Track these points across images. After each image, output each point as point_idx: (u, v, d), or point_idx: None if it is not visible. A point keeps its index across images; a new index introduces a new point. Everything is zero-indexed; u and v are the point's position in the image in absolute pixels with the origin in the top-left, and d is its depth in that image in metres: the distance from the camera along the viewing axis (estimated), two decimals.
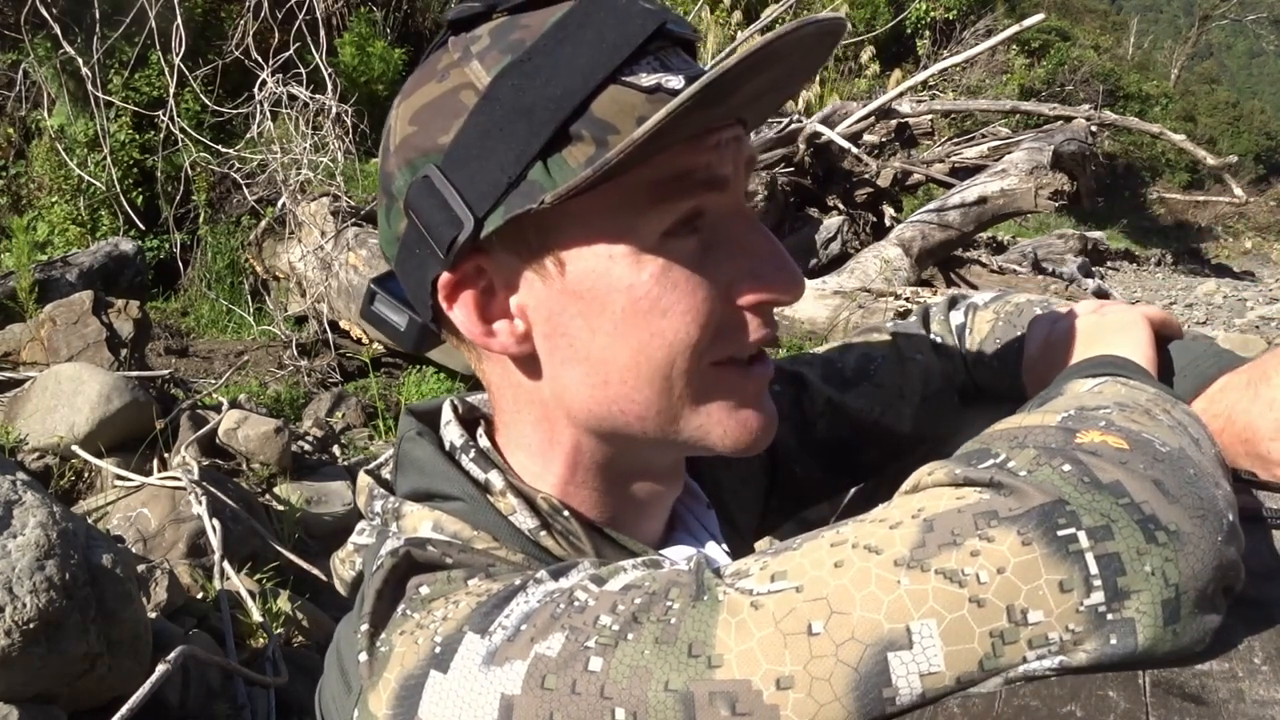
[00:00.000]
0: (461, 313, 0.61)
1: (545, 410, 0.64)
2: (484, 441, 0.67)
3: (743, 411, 0.63)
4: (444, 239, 0.58)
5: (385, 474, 0.70)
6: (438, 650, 0.51)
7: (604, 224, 0.58)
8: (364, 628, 0.55)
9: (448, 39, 0.61)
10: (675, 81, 0.56)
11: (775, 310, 0.65)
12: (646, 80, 0.56)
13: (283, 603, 2.44)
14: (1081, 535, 0.47)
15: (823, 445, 0.87)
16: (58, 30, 5.00)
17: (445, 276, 0.60)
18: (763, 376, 0.64)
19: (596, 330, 0.59)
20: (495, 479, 0.64)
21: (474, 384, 0.72)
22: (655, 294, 0.58)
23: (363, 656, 0.54)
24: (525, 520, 0.63)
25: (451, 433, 0.67)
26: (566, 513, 0.64)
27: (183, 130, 5.06)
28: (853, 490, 0.98)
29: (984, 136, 7.23)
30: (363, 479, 0.69)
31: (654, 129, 0.52)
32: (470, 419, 0.70)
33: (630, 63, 0.56)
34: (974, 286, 6.04)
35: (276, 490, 3.02)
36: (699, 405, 0.62)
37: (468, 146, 0.57)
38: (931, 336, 0.92)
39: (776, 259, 0.61)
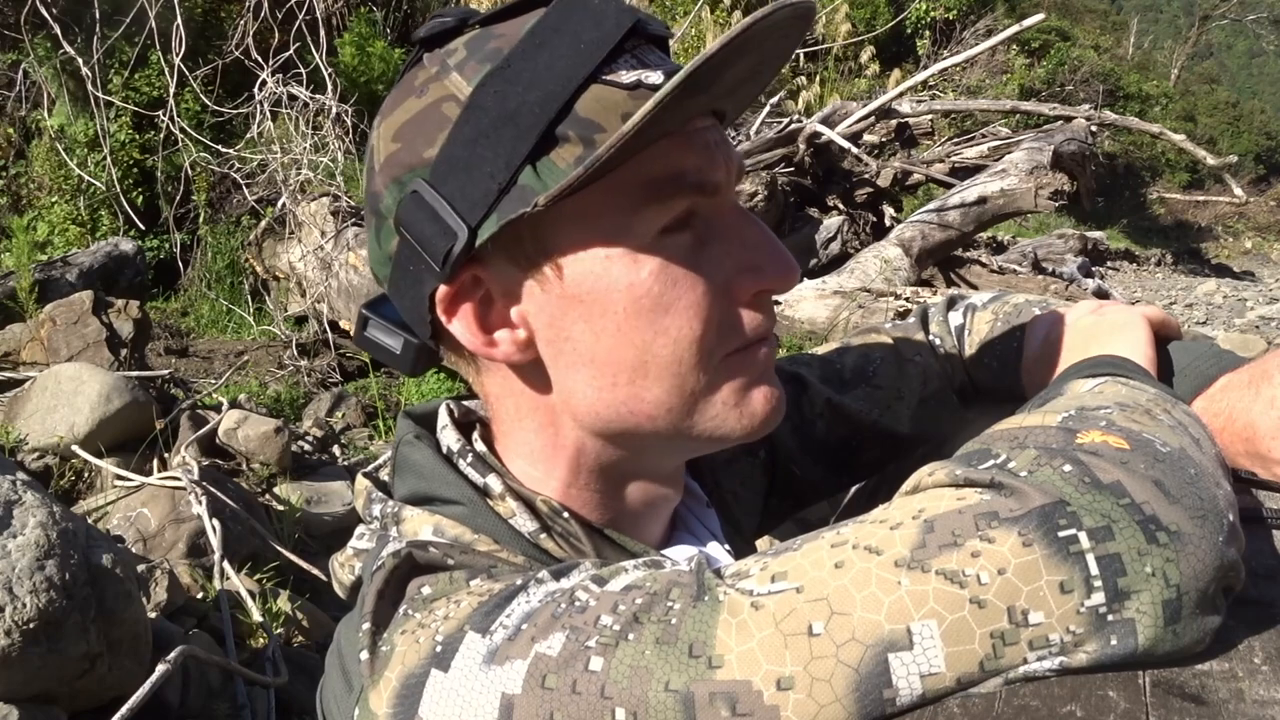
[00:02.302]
0: (461, 325, 0.61)
1: (550, 415, 0.64)
2: (480, 446, 0.67)
3: (753, 393, 0.64)
4: (438, 251, 0.58)
5: (383, 476, 0.70)
6: (439, 649, 0.51)
7: (599, 225, 0.58)
8: (366, 627, 0.55)
9: (422, 56, 0.61)
10: (655, 77, 0.57)
11: (778, 311, 0.65)
12: (627, 77, 0.56)
13: (283, 603, 2.44)
14: (1082, 536, 0.47)
15: (822, 446, 0.88)
16: (58, 30, 5.00)
17: (442, 289, 0.60)
18: (768, 356, 0.64)
19: (600, 332, 0.59)
20: (494, 483, 0.64)
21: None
22: (656, 291, 0.58)
23: (364, 655, 0.54)
24: (525, 523, 0.63)
25: (448, 437, 0.67)
26: (566, 514, 0.63)
27: (183, 130, 5.06)
28: (853, 490, 0.98)
29: (984, 136, 7.23)
30: (360, 482, 0.69)
31: (644, 120, 0.52)
32: (466, 423, 0.70)
33: (609, 62, 0.56)
34: (974, 286, 6.04)
35: (276, 490, 3.02)
36: (711, 398, 0.62)
37: (455, 157, 0.57)
38: (930, 338, 0.92)
39: (770, 249, 0.62)
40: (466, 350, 0.63)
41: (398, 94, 0.61)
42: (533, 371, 0.63)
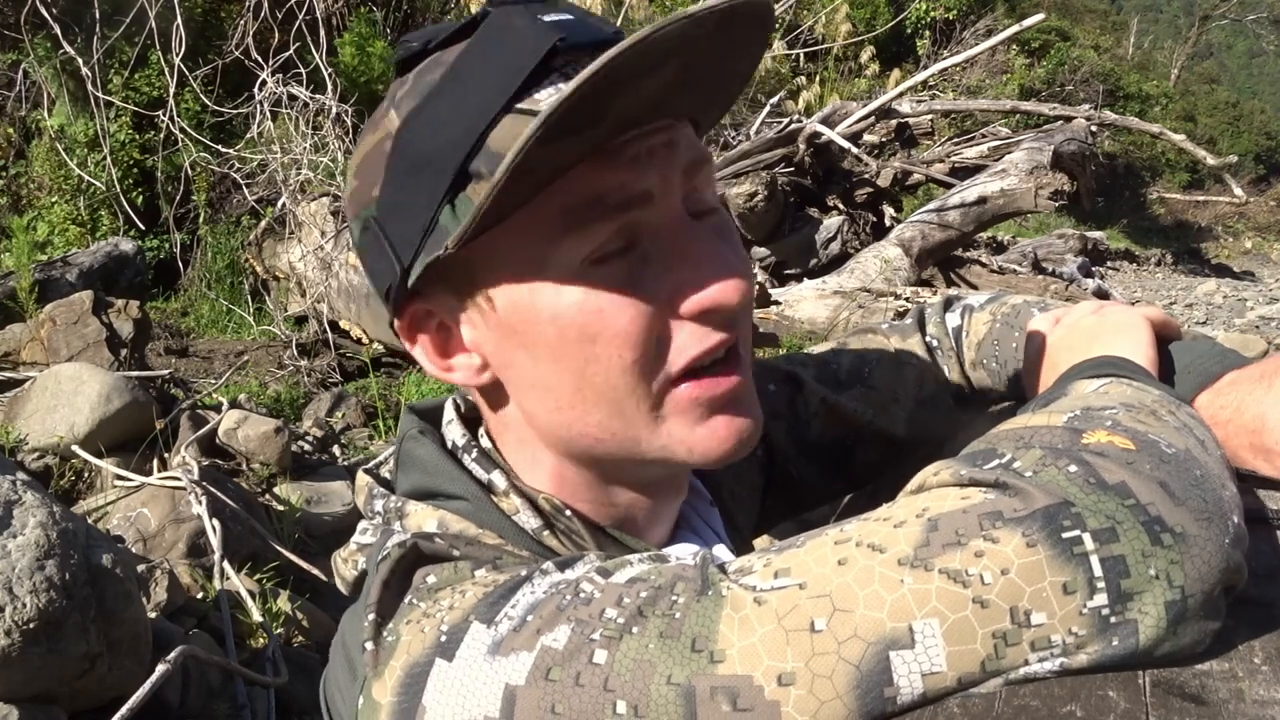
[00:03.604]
0: (421, 352, 0.64)
1: (523, 432, 0.65)
2: (486, 441, 0.67)
3: (710, 422, 0.61)
4: (383, 288, 0.61)
5: (385, 473, 0.70)
6: (443, 639, 0.52)
7: (522, 257, 0.57)
8: (370, 617, 0.55)
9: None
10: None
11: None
12: (545, 101, 0.54)
13: (283, 603, 2.44)
14: (1086, 537, 0.47)
15: (818, 446, 0.87)
16: (58, 30, 5.00)
17: (396, 322, 0.63)
18: (731, 382, 0.61)
19: (538, 360, 0.60)
20: (498, 479, 0.64)
21: None
22: (580, 322, 0.57)
23: (369, 645, 0.54)
24: (529, 520, 0.63)
25: (454, 432, 0.67)
26: (569, 512, 0.64)
27: (183, 130, 5.06)
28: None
29: (984, 136, 7.22)
30: (361, 478, 0.69)
31: (505, 175, 0.51)
32: (472, 418, 0.70)
33: (530, 86, 0.54)
34: (974, 286, 6.04)
35: (276, 490, 3.02)
36: (657, 424, 0.60)
37: (390, 197, 0.59)
38: (927, 339, 0.92)
39: (716, 263, 0.58)
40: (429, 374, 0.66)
41: (367, 125, 0.63)
42: (497, 393, 0.64)
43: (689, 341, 0.59)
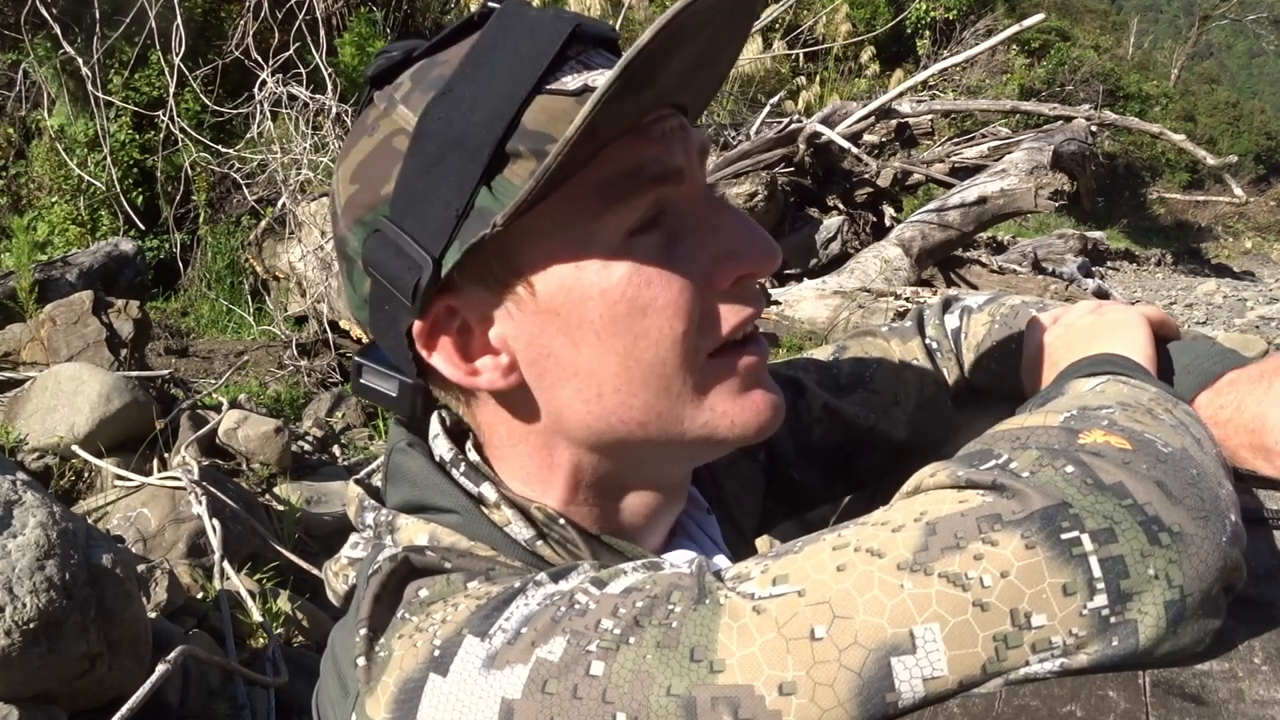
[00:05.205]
0: (441, 357, 0.61)
1: (543, 438, 0.64)
2: (474, 455, 0.66)
3: (749, 395, 0.62)
4: (407, 287, 0.57)
5: (375, 482, 0.70)
6: (437, 653, 0.51)
7: (564, 235, 0.57)
8: (362, 632, 0.54)
9: (373, 95, 0.61)
10: (601, 79, 0.55)
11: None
12: (573, 84, 0.55)
13: (283, 603, 2.44)
14: (1085, 538, 0.47)
15: (819, 450, 0.87)
16: (58, 30, 5.00)
17: (418, 325, 0.60)
18: (758, 355, 0.63)
19: (580, 344, 0.59)
20: (488, 491, 0.63)
21: None
22: (631, 294, 0.57)
23: (360, 661, 0.54)
24: (521, 531, 0.62)
25: (441, 446, 0.66)
26: (562, 521, 0.63)
27: (183, 130, 5.06)
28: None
29: (984, 136, 7.23)
30: (352, 489, 0.68)
31: (585, 123, 0.51)
32: (458, 431, 0.69)
33: (552, 70, 0.55)
34: (974, 286, 6.04)
35: (276, 490, 3.02)
36: (701, 400, 0.61)
37: (410, 190, 0.57)
38: (926, 342, 0.92)
39: (746, 232, 0.61)
40: (454, 384, 0.63)
41: (352, 136, 0.61)
42: (520, 396, 0.62)
43: (727, 314, 0.61)
